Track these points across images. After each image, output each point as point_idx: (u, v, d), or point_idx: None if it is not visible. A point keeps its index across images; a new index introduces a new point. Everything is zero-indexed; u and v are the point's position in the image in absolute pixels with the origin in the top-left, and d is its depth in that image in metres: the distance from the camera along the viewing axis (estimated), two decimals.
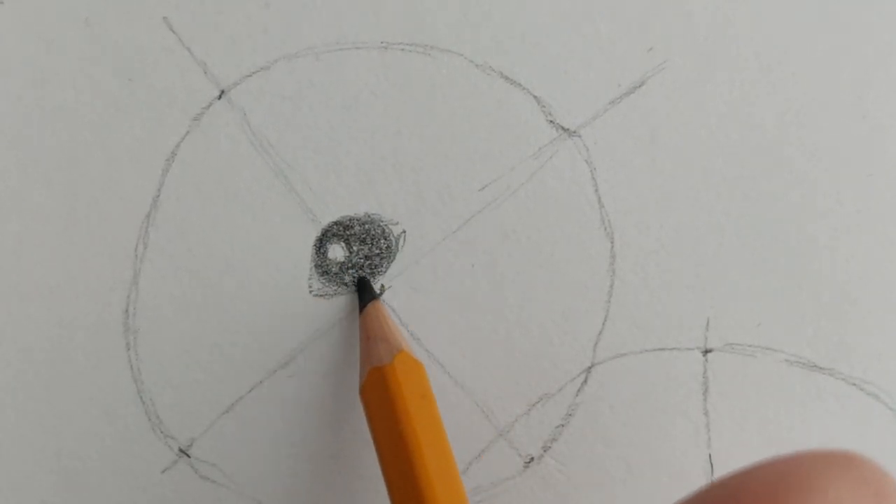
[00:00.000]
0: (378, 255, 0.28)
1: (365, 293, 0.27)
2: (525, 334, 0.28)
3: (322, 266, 0.28)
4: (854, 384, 0.28)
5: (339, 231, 0.28)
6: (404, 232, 0.28)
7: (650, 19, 0.27)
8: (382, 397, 0.24)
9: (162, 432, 0.28)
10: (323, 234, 0.28)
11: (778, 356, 0.28)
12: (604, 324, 0.28)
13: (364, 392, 0.25)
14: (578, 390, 0.29)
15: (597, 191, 0.28)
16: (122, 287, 0.27)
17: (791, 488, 0.12)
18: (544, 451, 0.28)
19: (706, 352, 0.28)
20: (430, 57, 0.27)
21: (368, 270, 0.28)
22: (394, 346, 0.25)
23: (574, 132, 0.28)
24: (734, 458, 0.28)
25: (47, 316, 0.27)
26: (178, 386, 0.28)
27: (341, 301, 0.28)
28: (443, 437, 0.23)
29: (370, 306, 0.27)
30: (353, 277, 0.28)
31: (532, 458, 0.28)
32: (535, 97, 0.27)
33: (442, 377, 0.28)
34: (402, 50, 0.27)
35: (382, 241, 0.28)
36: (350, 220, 0.28)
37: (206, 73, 0.27)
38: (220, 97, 0.27)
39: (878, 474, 0.13)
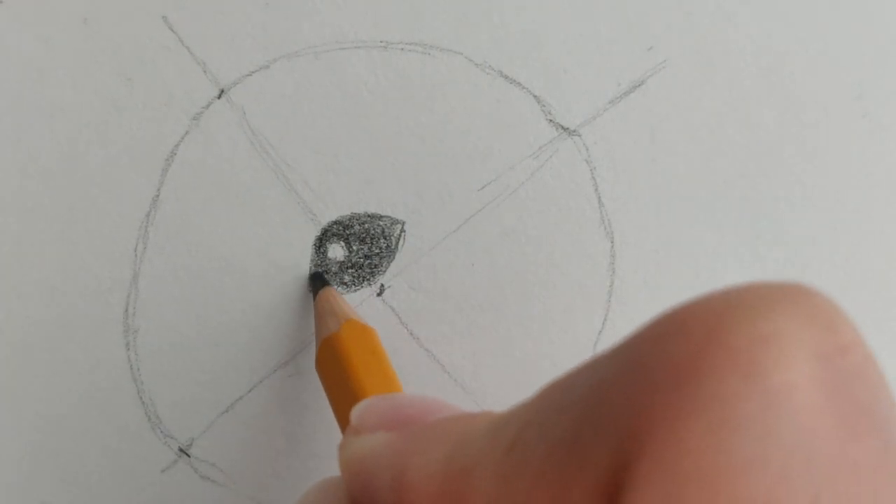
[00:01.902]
0: (378, 254, 0.28)
1: (316, 285, 0.27)
2: (525, 334, 0.28)
3: (322, 265, 0.28)
4: None
5: (338, 230, 0.28)
6: (404, 231, 0.28)
7: (650, 18, 0.27)
8: (334, 364, 0.24)
9: (161, 432, 0.28)
10: (323, 234, 0.28)
11: None
12: (604, 323, 0.28)
13: (318, 364, 0.25)
14: None
15: (597, 190, 0.28)
16: (122, 287, 0.27)
17: (736, 317, 0.12)
18: None
19: None
20: (429, 56, 0.27)
21: (368, 270, 0.28)
22: (341, 316, 0.25)
23: (574, 131, 0.28)
24: None
25: (47, 316, 0.27)
26: (177, 385, 0.28)
27: None
28: (396, 391, 0.23)
29: (320, 293, 0.27)
30: (353, 277, 0.28)
31: None
32: (534, 96, 0.27)
33: (442, 377, 0.28)
34: (402, 49, 0.27)
35: (382, 240, 0.28)
36: (350, 219, 0.28)
37: (205, 72, 0.27)
38: (219, 96, 0.27)
39: (829, 305, 0.13)
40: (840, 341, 0.12)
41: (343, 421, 0.23)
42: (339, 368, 0.23)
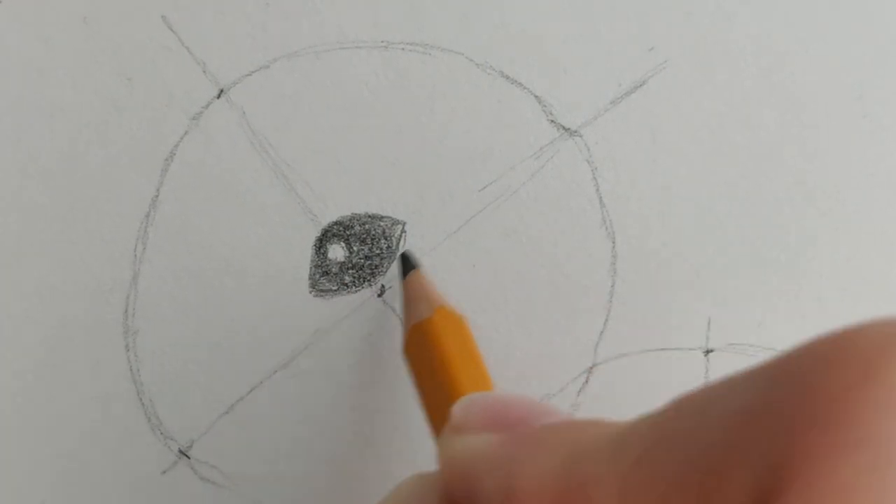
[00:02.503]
0: (378, 255, 0.28)
1: (406, 264, 0.27)
2: (526, 334, 0.28)
3: (322, 266, 0.28)
4: None
5: (339, 231, 0.28)
6: (405, 232, 0.28)
7: (651, 19, 0.27)
8: (424, 351, 0.23)
9: (162, 433, 0.28)
10: (323, 234, 0.28)
11: None
12: (605, 324, 0.28)
13: (407, 350, 0.24)
14: (580, 390, 0.29)
15: (598, 190, 0.28)
16: (122, 288, 0.27)
17: (862, 366, 0.12)
18: None
19: (707, 352, 0.28)
20: (430, 56, 0.27)
21: (369, 271, 0.28)
22: (433, 302, 0.24)
23: (575, 132, 0.28)
24: None
25: (46, 317, 0.27)
26: (177, 387, 0.27)
27: (341, 301, 0.28)
28: (487, 384, 0.23)
29: (411, 274, 0.26)
30: (354, 277, 0.28)
31: None
32: (535, 97, 0.27)
33: None
34: (403, 49, 0.27)
35: (383, 241, 0.28)
36: (350, 219, 0.28)
37: (205, 72, 0.27)
38: (219, 96, 0.27)
39: None
40: None
41: (433, 411, 0.23)
42: (432, 356, 0.23)
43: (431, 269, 0.28)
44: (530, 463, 0.15)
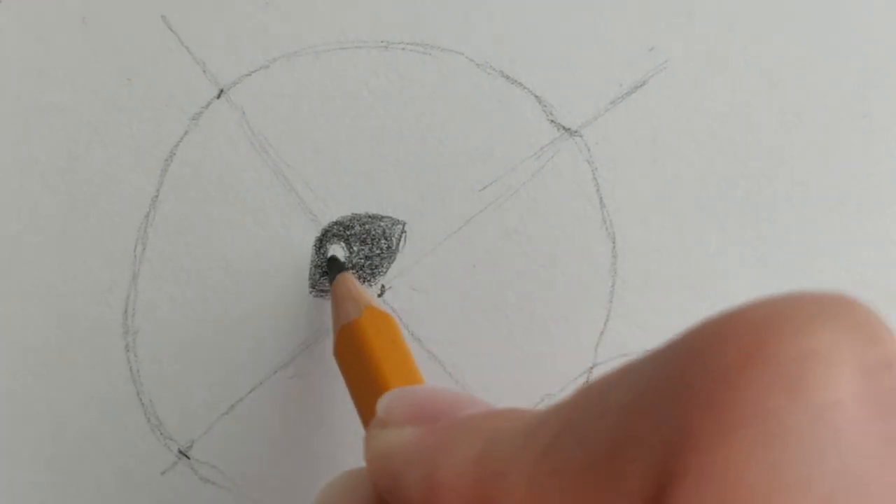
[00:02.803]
0: (378, 255, 0.28)
1: (333, 269, 0.27)
2: (526, 334, 0.28)
3: (322, 266, 0.28)
4: None
5: (339, 231, 0.28)
6: (405, 232, 0.28)
7: (651, 19, 0.27)
8: (354, 352, 0.23)
9: (161, 434, 0.28)
10: (323, 235, 0.27)
11: None
12: (605, 324, 0.28)
13: (337, 353, 0.24)
14: None
15: (598, 190, 0.28)
16: (121, 288, 0.27)
17: (779, 331, 0.12)
18: None
19: None
20: (430, 56, 0.27)
21: (369, 271, 0.28)
22: (361, 303, 0.24)
23: (575, 132, 0.28)
24: None
25: (46, 317, 0.27)
26: (177, 387, 0.27)
27: None
28: (417, 381, 0.22)
29: (338, 277, 0.26)
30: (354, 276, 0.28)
31: None
32: (536, 97, 0.27)
33: (443, 377, 0.28)
34: (403, 49, 0.27)
35: (383, 241, 0.28)
36: (350, 219, 0.28)
37: (204, 72, 0.26)
38: (219, 96, 0.27)
39: (872, 317, 0.12)
40: (884, 355, 0.12)
41: (364, 410, 0.23)
42: (360, 356, 0.23)
43: (432, 269, 0.28)
44: (448, 454, 0.15)
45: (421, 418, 0.17)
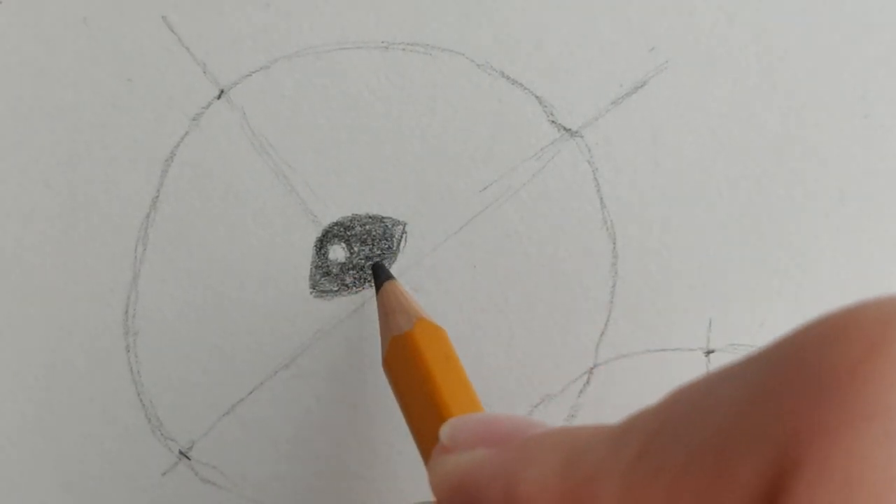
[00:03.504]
0: (379, 255, 0.28)
1: (380, 276, 0.27)
2: (527, 335, 0.28)
3: (323, 267, 0.28)
4: None
5: (339, 232, 0.28)
6: (406, 233, 0.28)
7: (652, 19, 0.27)
8: (406, 364, 0.23)
9: (162, 434, 0.28)
10: (324, 235, 0.27)
11: None
12: (606, 324, 0.28)
13: (387, 363, 0.24)
14: (581, 391, 0.29)
15: (599, 191, 0.28)
16: (122, 289, 0.27)
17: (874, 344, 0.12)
18: None
19: (709, 352, 0.28)
20: (431, 57, 0.27)
21: (370, 271, 0.28)
22: (412, 314, 0.24)
23: (576, 132, 0.28)
24: None
25: (46, 318, 0.27)
26: (178, 388, 0.27)
27: (342, 302, 0.28)
28: (471, 397, 0.22)
29: (386, 284, 0.26)
30: (355, 278, 0.28)
31: None
32: (536, 97, 0.27)
33: None
34: (404, 50, 0.27)
35: (384, 241, 0.28)
36: (351, 220, 0.28)
37: (205, 72, 0.26)
38: (219, 97, 0.27)
39: None
40: None
41: (417, 424, 0.23)
42: (414, 369, 0.23)
43: (433, 269, 0.28)
44: (530, 467, 0.15)
45: (491, 441, 0.17)
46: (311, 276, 0.28)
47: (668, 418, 0.13)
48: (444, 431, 0.18)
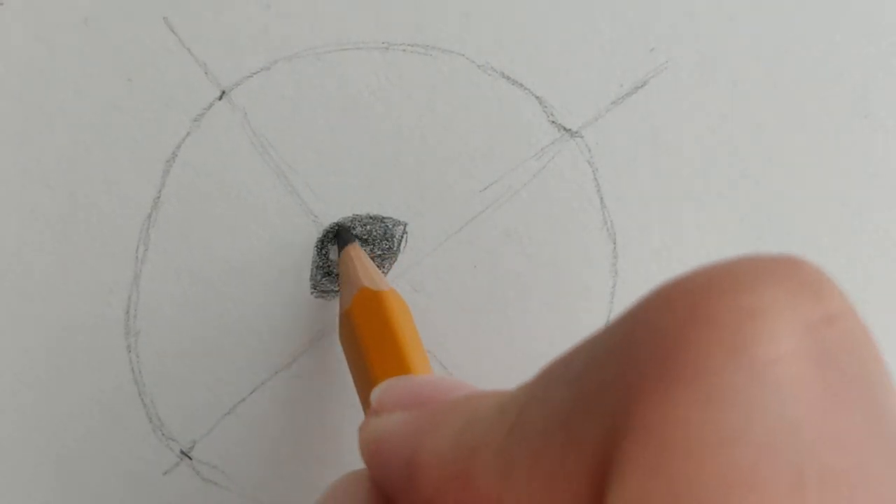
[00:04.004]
0: (380, 255, 0.28)
1: (340, 241, 0.27)
2: (527, 335, 0.28)
3: (324, 267, 0.28)
4: None
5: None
6: (406, 233, 0.28)
7: (652, 19, 0.27)
8: (350, 341, 0.24)
9: (163, 434, 0.28)
10: (324, 235, 0.28)
11: None
12: (606, 324, 0.28)
13: (340, 341, 0.25)
14: None
15: (599, 191, 0.28)
16: (123, 289, 0.27)
17: (720, 291, 0.12)
18: None
19: None
20: (431, 57, 0.27)
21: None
22: (355, 285, 0.24)
23: (576, 132, 0.28)
24: None
25: (47, 318, 0.27)
26: (179, 388, 0.27)
27: None
28: (407, 363, 0.22)
29: (342, 253, 0.26)
30: None
31: None
32: (536, 97, 0.27)
33: None
34: (404, 50, 0.27)
35: (384, 241, 0.28)
36: (352, 220, 0.28)
37: (206, 73, 0.27)
38: (220, 98, 0.27)
39: (817, 275, 0.13)
40: (827, 311, 0.12)
41: (363, 402, 0.23)
42: (354, 347, 0.23)
43: (433, 269, 0.28)
44: (430, 435, 0.16)
45: (410, 404, 0.17)
46: (312, 277, 0.28)
47: (533, 390, 0.14)
48: (374, 394, 0.19)
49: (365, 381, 0.22)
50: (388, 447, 0.17)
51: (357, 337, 0.23)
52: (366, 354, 0.23)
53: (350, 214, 0.27)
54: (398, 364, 0.22)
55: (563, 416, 0.13)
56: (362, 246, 0.28)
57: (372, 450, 0.17)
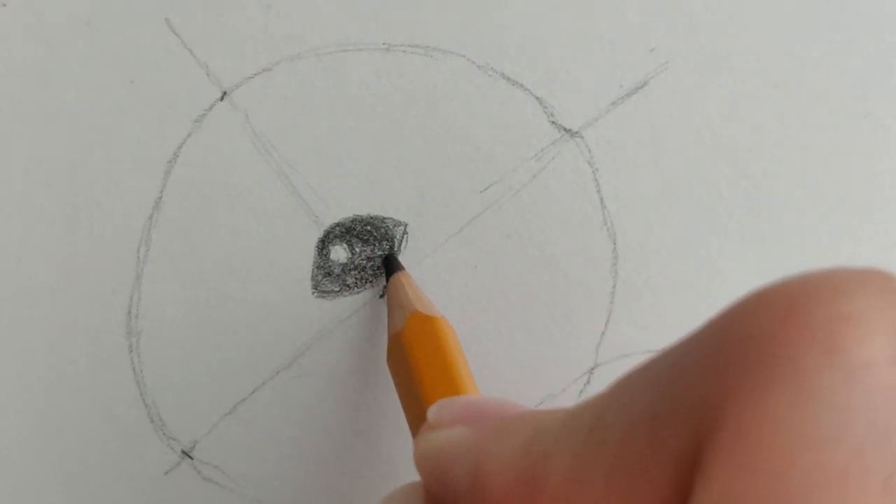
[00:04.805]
0: (381, 256, 0.28)
1: (389, 269, 0.27)
2: (527, 335, 0.28)
3: (324, 267, 0.28)
4: None
5: (341, 232, 0.28)
6: (407, 233, 0.28)
7: (652, 19, 0.27)
8: (398, 362, 0.24)
9: (165, 434, 0.28)
10: (325, 236, 0.28)
11: None
12: (606, 325, 0.28)
13: (388, 361, 0.25)
14: (581, 391, 0.29)
15: (599, 191, 0.28)
16: (125, 289, 0.27)
17: (816, 296, 0.12)
18: None
19: None
20: (431, 58, 0.27)
21: (371, 272, 0.28)
22: (407, 309, 0.25)
23: (576, 133, 0.28)
24: None
25: (49, 318, 0.27)
26: (180, 388, 0.28)
27: (344, 302, 0.28)
28: (460, 387, 0.23)
29: (392, 279, 0.27)
30: (356, 279, 0.28)
31: None
32: (536, 98, 0.27)
33: None
34: (404, 51, 0.27)
35: (385, 242, 0.28)
36: (352, 221, 0.28)
37: (207, 74, 0.27)
38: (222, 99, 0.27)
39: None
40: None
41: (411, 420, 0.23)
42: (405, 368, 0.23)
43: (433, 270, 0.28)
44: (497, 445, 0.16)
45: (469, 420, 0.18)
46: (313, 277, 0.28)
47: (612, 398, 0.14)
48: (431, 410, 0.19)
49: (416, 401, 0.23)
50: (448, 459, 0.17)
51: (410, 358, 0.23)
52: (418, 375, 0.23)
53: (351, 215, 0.28)
54: (451, 385, 0.23)
55: (647, 418, 0.13)
56: (363, 247, 0.28)
57: (431, 461, 0.17)
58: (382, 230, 0.28)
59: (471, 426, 0.17)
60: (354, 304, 0.28)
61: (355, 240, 0.28)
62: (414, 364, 0.23)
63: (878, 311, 0.12)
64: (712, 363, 0.12)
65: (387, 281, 0.27)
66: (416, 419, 0.22)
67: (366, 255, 0.28)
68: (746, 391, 0.12)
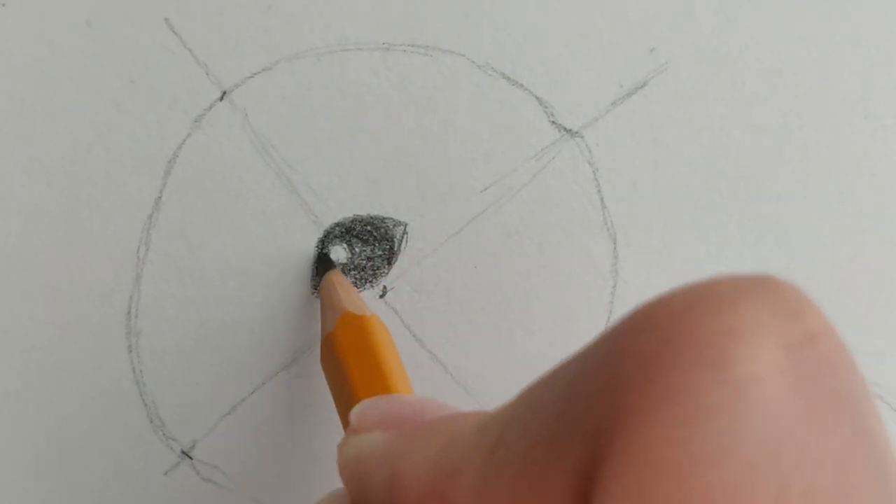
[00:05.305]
0: (380, 256, 0.28)
1: (321, 269, 0.27)
2: (528, 335, 0.28)
3: (324, 267, 0.28)
4: None
5: (341, 232, 0.28)
6: (407, 233, 0.28)
7: (652, 19, 0.27)
8: (332, 364, 0.24)
9: (164, 434, 0.28)
10: (325, 236, 0.28)
11: None
12: (606, 325, 0.28)
13: (322, 364, 0.25)
14: None
15: (599, 191, 0.28)
16: (124, 289, 0.27)
17: (701, 309, 0.12)
18: None
19: None
20: (431, 58, 0.27)
21: (371, 272, 0.28)
22: (338, 309, 0.25)
23: (576, 133, 0.28)
24: None
25: (49, 318, 0.27)
26: (180, 388, 0.28)
27: None
28: (389, 386, 0.22)
29: (323, 280, 0.26)
30: (356, 279, 0.28)
31: None
32: (537, 98, 0.27)
33: (444, 378, 0.28)
34: (404, 51, 0.27)
35: (385, 242, 0.28)
36: (352, 221, 0.28)
37: (207, 74, 0.27)
38: (221, 98, 0.27)
39: (796, 294, 0.13)
40: (808, 330, 0.12)
41: (344, 424, 0.23)
42: (337, 369, 0.23)
43: (433, 270, 0.28)
44: (410, 456, 0.16)
45: (389, 424, 0.17)
46: (313, 277, 0.28)
47: (516, 412, 0.14)
48: (353, 413, 0.19)
49: (347, 403, 0.22)
50: (366, 467, 0.17)
51: (340, 360, 0.23)
52: (348, 376, 0.23)
53: (351, 215, 0.28)
54: (381, 385, 0.22)
55: (545, 439, 0.13)
56: (363, 247, 0.28)
57: (351, 470, 0.17)
58: (382, 230, 0.28)
59: (389, 431, 0.17)
60: None
61: (355, 240, 0.28)
62: (345, 365, 0.23)
63: (765, 321, 0.12)
64: (603, 382, 0.12)
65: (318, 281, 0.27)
66: (346, 422, 0.22)
67: (366, 255, 0.28)
68: (635, 412, 0.11)
